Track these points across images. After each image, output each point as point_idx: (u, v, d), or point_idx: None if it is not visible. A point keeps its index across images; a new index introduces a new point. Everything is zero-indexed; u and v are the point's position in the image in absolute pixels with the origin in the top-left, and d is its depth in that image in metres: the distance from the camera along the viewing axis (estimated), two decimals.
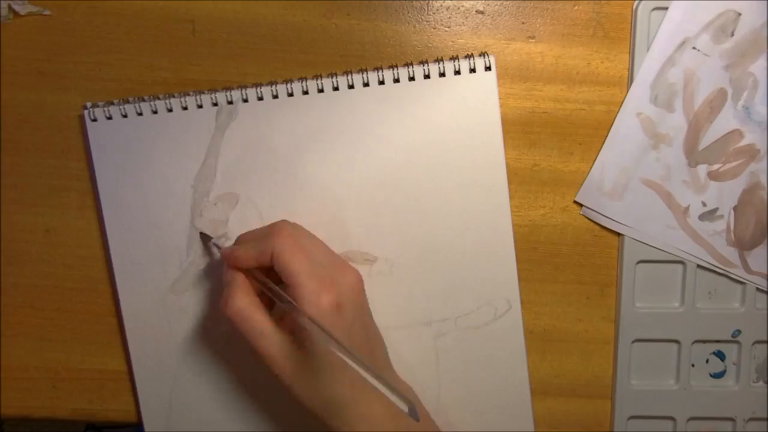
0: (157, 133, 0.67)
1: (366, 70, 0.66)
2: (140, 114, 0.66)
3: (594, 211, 0.68)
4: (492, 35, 0.66)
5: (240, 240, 0.64)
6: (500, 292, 0.68)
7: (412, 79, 0.65)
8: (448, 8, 0.66)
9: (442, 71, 0.65)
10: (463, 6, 0.66)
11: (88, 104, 0.67)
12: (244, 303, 0.59)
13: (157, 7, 0.66)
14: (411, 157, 0.67)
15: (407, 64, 0.65)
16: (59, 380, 0.72)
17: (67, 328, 0.71)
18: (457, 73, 0.65)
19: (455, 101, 0.66)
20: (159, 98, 0.67)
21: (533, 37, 0.66)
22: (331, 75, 0.66)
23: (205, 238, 0.68)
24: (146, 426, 0.71)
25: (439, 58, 0.66)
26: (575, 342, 0.71)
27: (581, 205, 0.68)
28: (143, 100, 0.67)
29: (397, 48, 0.67)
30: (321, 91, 0.66)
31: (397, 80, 0.65)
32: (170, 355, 0.70)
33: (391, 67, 0.66)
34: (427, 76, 0.65)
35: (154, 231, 0.68)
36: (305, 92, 0.66)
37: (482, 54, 0.65)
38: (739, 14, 0.64)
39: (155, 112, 0.67)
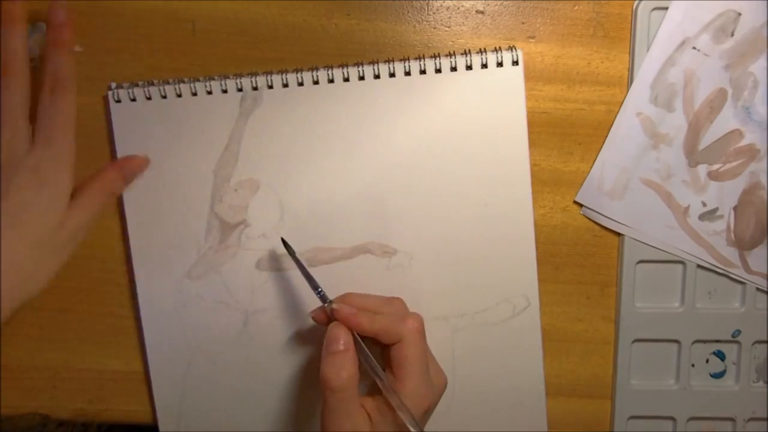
0: (181, 116, 0.67)
1: (392, 61, 0.65)
2: (164, 97, 0.66)
3: (594, 211, 0.68)
4: (492, 35, 0.66)
5: (352, 300, 0.63)
6: (519, 289, 0.68)
7: (438, 71, 0.65)
8: (448, 8, 0.66)
9: (468, 64, 0.65)
10: (463, 6, 0.66)
11: (113, 84, 0.67)
12: (352, 376, 0.58)
13: (157, 7, 0.66)
14: (434, 150, 0.66)
15: (434, 56, 0.65)
16: (59, 380, 0.72)
17: (67, 328, 0.71)
18: (484, 66, 0.65)
19: (481, 95, 0.65)
20: (184, 81, 0.66)
21: (533, 37, 0.66)
22: (357, 64, 0.66)
23: (290, 250, 0.65)
24: (159, 411, 0.71)
25: (467, 50, 0.65)
26: (575, 342, 0.71)
27: (581, 205, 0.68)
28: (168, 83, 0.66)
29: (397, 48, 0.67)
30: (347, 80, 0.66)
31: (423, 71, 0.65)
32: (185, 339, 0.70)
33: (418, 58, 0.65)
34: (453, 69, 0.65)
35: (173, 215, 0.68)
36: (330, 80, 0.66)
37: (510, 48, 0.65)
38: (739, 14, 0.64)
39: (179, 96, 0.66)
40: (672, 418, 0.71)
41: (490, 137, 0.66)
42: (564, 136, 0.67)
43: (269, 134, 0.67)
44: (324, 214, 0.67)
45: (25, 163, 0.59)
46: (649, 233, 0.67)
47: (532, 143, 0.67)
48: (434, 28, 0.66)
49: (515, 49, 0.65)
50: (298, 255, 0.64)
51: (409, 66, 0.65)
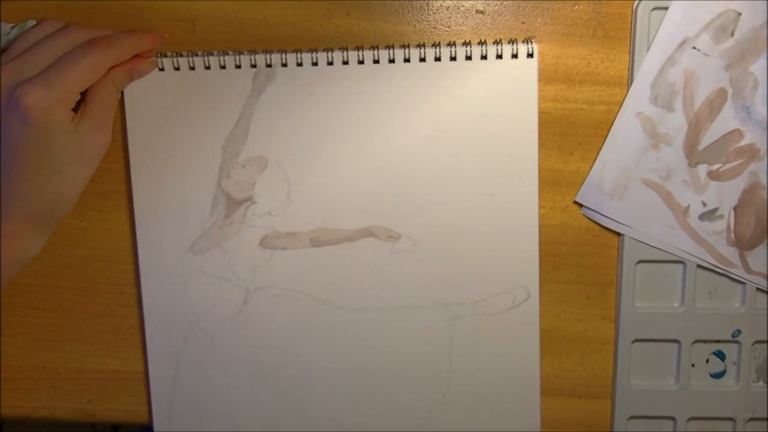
0: (193, 89, 0.67)
1: (408, 46, 0.66)
2: (177, 68, 0.66)
3: (594, 211, 0.68)
4: (492, 35, 0.66)
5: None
6: (520, 280, 0.68)
7: (453, 59, 0.65)
8: (448, 8, 0.66)
9: (483, 54, 0.65)
10: (463, 6, 0.66)
11: None
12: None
13: (157, 7, 0.66)
14: (444, 137, 0.67)
15: (450, 44, 0.65)
16: (59, 380, 0.72)
17: (67, 328, 0.72)
18: (499, 57, 0.65)
19: (494, 85, 0.66)
20: (197, 55, 0.66)
21: (533, 37, 0.66)
22: (373, 48, 0.66)
23: None
24: (152, 382, 0.71)
25: (482, 40, 0.66)
26: (575, 342, 0.71)
27: (581, 205, 0.68)
28: (182, 55, 0.66)
29: None
30: (361, 62, 0.66)
31: (438, 59, 0.65)
32: (183, 314, 0.70)
33: (434, 45, 0.65)
34: (468, 58, 0.65)
35: (179, 188, 0.68)
36: (345, 62, 0.66)
37: (526, 40, 0.65)
38: (739, 14, 0.64)
39: (192, 68, 0.66)
40: (672, 418, 0.71)
41: (500, 128, 0.66)
42: (564, 136, 0.67)
43: (280, 112, 0.67)
44: (331, 195, 0.68)
45: (12, 101, 0.58)
46: (649, 233, 0.67)
47: None
48: (434, 28, 0.66)
49: (531, 41, 0.65)
50: (303, 234, 0.68)
51: (424, 52, 0.65)
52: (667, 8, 0.64)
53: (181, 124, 0.67)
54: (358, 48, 0.66)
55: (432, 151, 0.67)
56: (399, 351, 0.70)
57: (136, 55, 0.64)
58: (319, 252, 0.68)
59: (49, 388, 0.73)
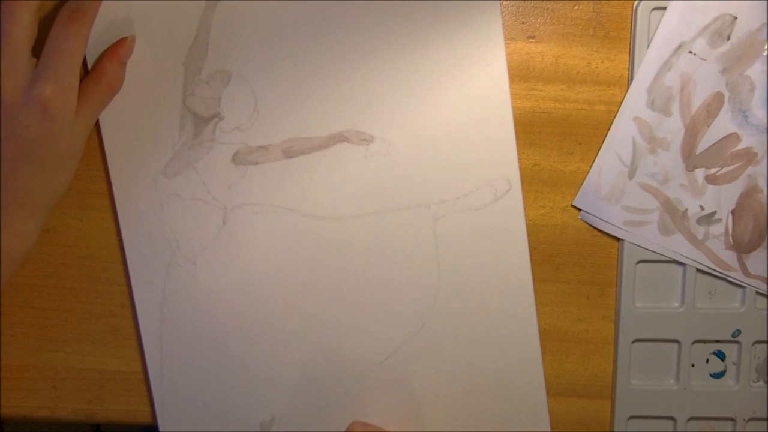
0: (147, 8, 0.64)
1: None
2: None
3: (592, 215, 0.68)
4: None
5: None
6: (500, 171, 0.67)
7: None
8: None
9: None
10: None
11: None
12: None
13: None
14: (411, 32, 0.65)
15: None
16: (59, 380, 0.72)
17: (67, 328, 0.71)
18: None
19: None
20: None
21: (533, 37, 0.66)
22: None
23: None
24: (139, 312, 0.70)
25: None
26: (575, 342, 0.71)
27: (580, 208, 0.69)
28: None
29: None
30: None
31: None
32: (164, 241, 0.69)
33: None
34: None
35: (145, 111, 0.66)
36: None
37: None
38: (735, 18, 0.64)
39: None
40: (672, 418, 0.71)
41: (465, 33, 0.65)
42: (564, 136, 0.68)
43: (238, 22, 0.65)
44: (298, 103, 0.66)
45: (31, 98, 0.58)
46: (648, 237, 0.68)
47: (532, 143, 0.68)
48: None
49: None
50: (275, 146, 0.66)
51: None
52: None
53: (140, 45, 0.65)
54: None
55: (398, 45, 0.65)
56: (385, 256, 0.69)
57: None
58: (293, 163, 0.67)
59: (49, 388, 0.72)
